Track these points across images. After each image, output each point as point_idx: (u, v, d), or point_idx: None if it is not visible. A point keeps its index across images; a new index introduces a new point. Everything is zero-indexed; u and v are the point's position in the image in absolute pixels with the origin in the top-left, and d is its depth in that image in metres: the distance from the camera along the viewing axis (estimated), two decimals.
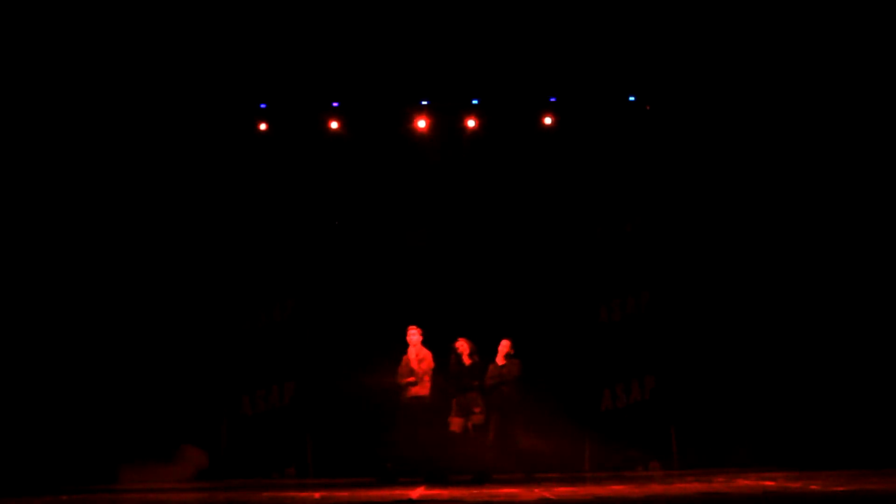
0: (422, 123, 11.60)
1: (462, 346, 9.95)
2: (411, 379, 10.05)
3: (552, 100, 11.56)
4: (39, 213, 10.76)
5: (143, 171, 11.29)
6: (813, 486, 7.58)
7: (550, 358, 11.26)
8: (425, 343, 10.21)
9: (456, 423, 9.86)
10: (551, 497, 7.14)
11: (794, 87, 10.65)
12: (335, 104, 11.57)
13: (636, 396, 11.27)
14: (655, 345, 11.32)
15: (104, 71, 10.58)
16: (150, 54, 10.75)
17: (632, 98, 11.55)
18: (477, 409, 9.79)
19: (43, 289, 10.49)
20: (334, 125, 11.64)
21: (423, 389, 10.09)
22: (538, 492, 7.79)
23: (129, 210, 11.20)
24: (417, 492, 8.24)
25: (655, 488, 7.85)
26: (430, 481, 9.52)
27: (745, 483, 8.18)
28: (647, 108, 11.58)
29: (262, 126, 11.63)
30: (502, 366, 10.10)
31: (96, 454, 10.30)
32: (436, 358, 10.19)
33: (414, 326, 10.23)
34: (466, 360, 9.87)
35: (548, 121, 11.62)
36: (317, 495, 8.05)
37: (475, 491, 8.17)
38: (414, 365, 10.11)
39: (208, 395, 11.28)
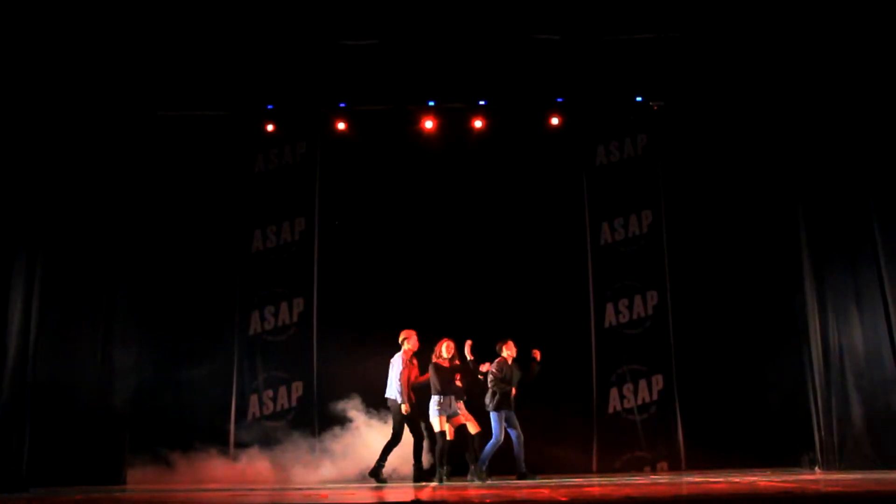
0: (429, 124, 11.63)
1: (449, 348, 9.84)
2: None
3: (559, 100, 11.57)
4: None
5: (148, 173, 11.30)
6: (828, 488, 7.55)
7: (557, 359, 11.22)
8: (430, 344, 10.22)
9: (444, 423, 9.71)
10: (563, 499, 7.10)
11: (804, 85, 10.58)
12: (342, 104, 11.61)
13: (644, 397, 11.26)
14: (664, 345, 11.32)
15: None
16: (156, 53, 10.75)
17: (639, 98, 11.57)
18: (462, 413, 9.71)
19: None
20: (341, 126, 11.67)
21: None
22: (548, 493, 7.75)
23: (136, 211, 11.18)
24: (425, 492, 8.22)
25: (674, 489, 7.80)
26: (436, 481, 9.50)
27: (760, 483, 8.15)
28: (655, 107, 11.60)
29: (270, 127, 11.68)
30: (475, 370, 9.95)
31: (103, 454, 10.26)
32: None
33: (411, 331, 10.21)
34: (445, 363, 9.76)
35: (555, 121, 11.64)
36: (324, 495, 8.03)
37: (483, 491, 8.14)
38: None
39: (214, 395, 11.31)
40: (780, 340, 10.97)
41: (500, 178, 11.78)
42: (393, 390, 9.97)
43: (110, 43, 10.32)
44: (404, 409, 9.86)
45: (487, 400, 9.89)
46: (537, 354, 10.02)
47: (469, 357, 9.82)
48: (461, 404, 9.84)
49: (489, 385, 9.91)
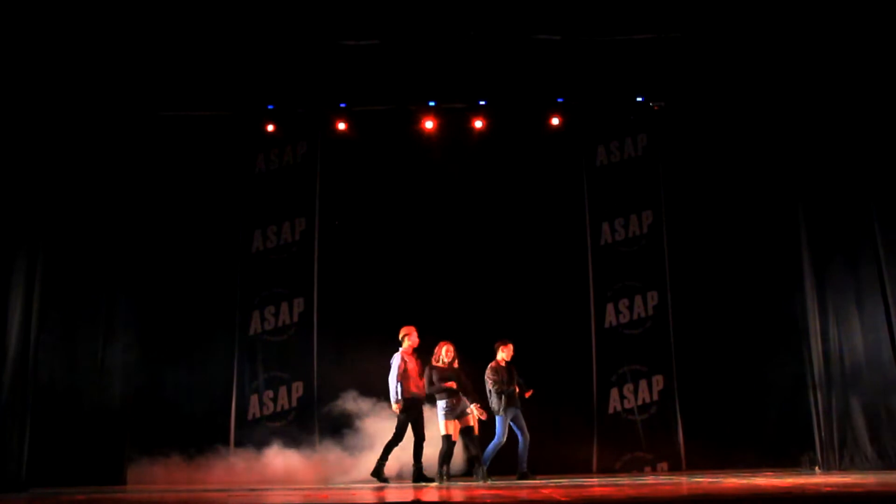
0: (429, 124, 11.63)
1: (448, 351, 9.81)
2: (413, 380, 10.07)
3: (559, 100, 11.57)
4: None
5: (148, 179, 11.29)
6: (828, 488, 7.55)
7: (557, 359, 11.26)
8: (429, 344, 10.20)
9: (450, 426, 9.69)
10: (564, 499, 7.10)
11: (805, 86, 10.56)
12: (342, 105, 11.61)
13: (644, 397, 11.26)
14: (664, 345, 11.32)
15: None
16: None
17: (639, 98, 11.57)
18: (469, 412, 9.70)
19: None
20: (342, 126, 11.68)
21: (421, 391, 10.06)
22: (548, 493, 7.75)
23: (137, 211, 11.18)
24: (428, 492, 8.22)
25: (674, 489, 7.80)
26: (437, 481, 9.50)
27: (760, 483, 8.15)
28: (655, 108, 11.60)
29: (270, 127, 11.69)
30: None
31: (103, 454, 10.26)
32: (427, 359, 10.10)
33: (411, 327, 10.15)
34: (444, 367, 9.74)
35: (555, 121, 11.64)
36: (324, 495, 8.03)
37: (484, 491, 8.14)
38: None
39: (214, 395, 11.31)
40: (780, 340, 10.96)
41: (501, 178, 11.78)
42: (393, 390, 9.95)
43: (111, 43, 10.33)
44: (395, 407, 9.84)
45: (493, 404, 9.88)
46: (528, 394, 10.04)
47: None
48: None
49: (491, 390, 9.90)
